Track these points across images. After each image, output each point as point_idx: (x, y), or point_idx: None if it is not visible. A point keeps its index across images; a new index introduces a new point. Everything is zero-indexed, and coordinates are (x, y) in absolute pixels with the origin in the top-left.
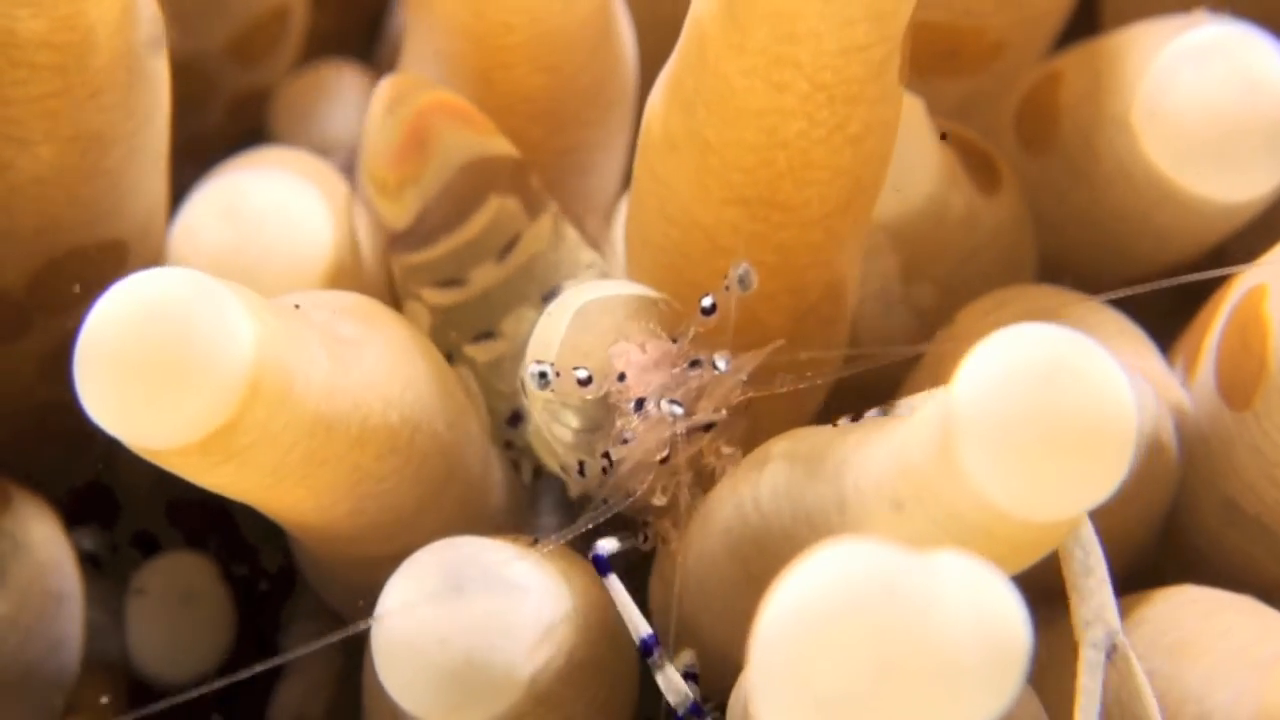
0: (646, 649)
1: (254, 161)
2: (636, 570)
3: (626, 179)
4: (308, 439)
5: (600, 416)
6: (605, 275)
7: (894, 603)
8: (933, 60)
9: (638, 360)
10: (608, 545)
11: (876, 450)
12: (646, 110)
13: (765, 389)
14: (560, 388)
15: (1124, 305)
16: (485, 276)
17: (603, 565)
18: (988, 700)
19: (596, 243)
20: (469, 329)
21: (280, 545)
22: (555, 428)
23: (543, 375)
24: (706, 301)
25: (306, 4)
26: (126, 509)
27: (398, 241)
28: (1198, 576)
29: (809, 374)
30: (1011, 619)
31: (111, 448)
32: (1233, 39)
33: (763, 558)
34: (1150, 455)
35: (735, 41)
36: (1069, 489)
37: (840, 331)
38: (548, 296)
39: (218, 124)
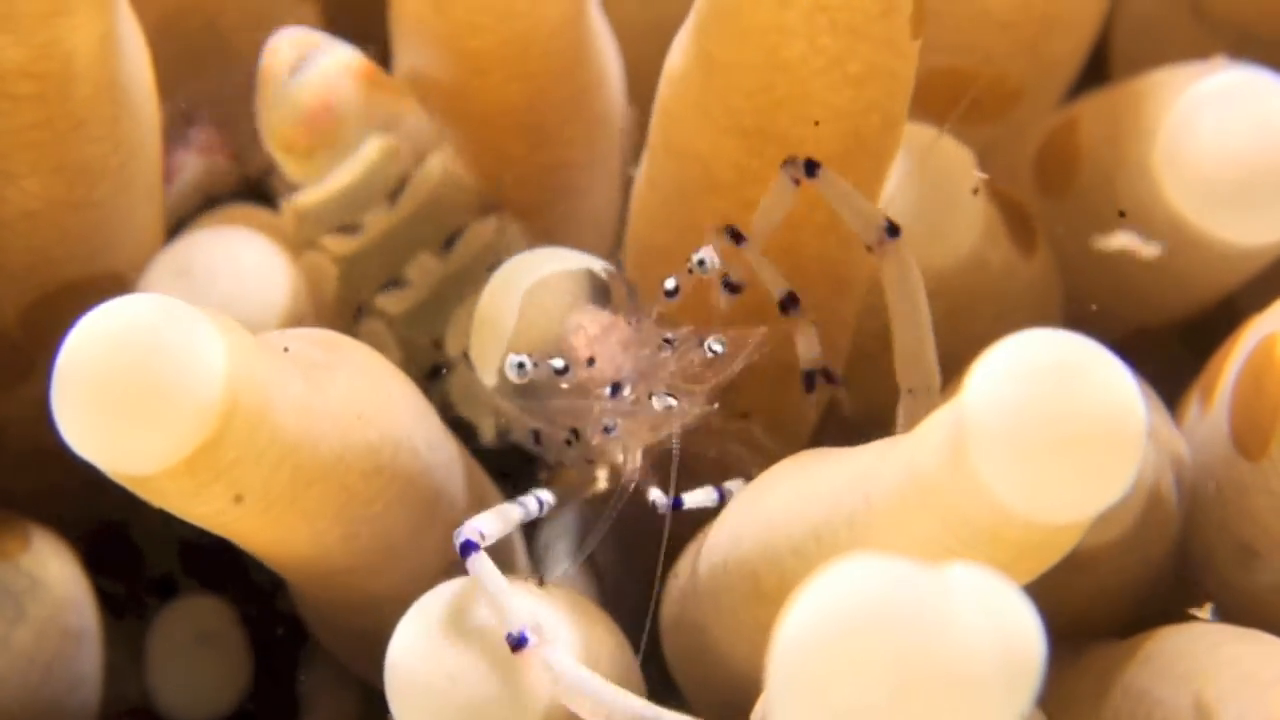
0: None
1: (212, 221)
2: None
3: (620, 207)
4: (293, 455)
5: (571, 392)
6: (502, 220)
7: (909, 615)
8: (953, 107)
9: (600, 340)
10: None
11: (886, 463)
12: (667, 57)
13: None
14: (538, 376)
15: (1131, 354)
16: (379, 221)
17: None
18: (1003, 711)
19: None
20: (374, 277)
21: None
22: (519, 403)
23: (520, 366)
24: (670, 284)
25: None
26: (145, 554)
27: (289, 186)
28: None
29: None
30: (1026, 630)
31: (130, 493)
32: (1253, 84)
33: (772, 572)
34: (1149, 507)
35: None
36: (1079, 489)
37: (843, 336)
38: (448, 242)
39: None
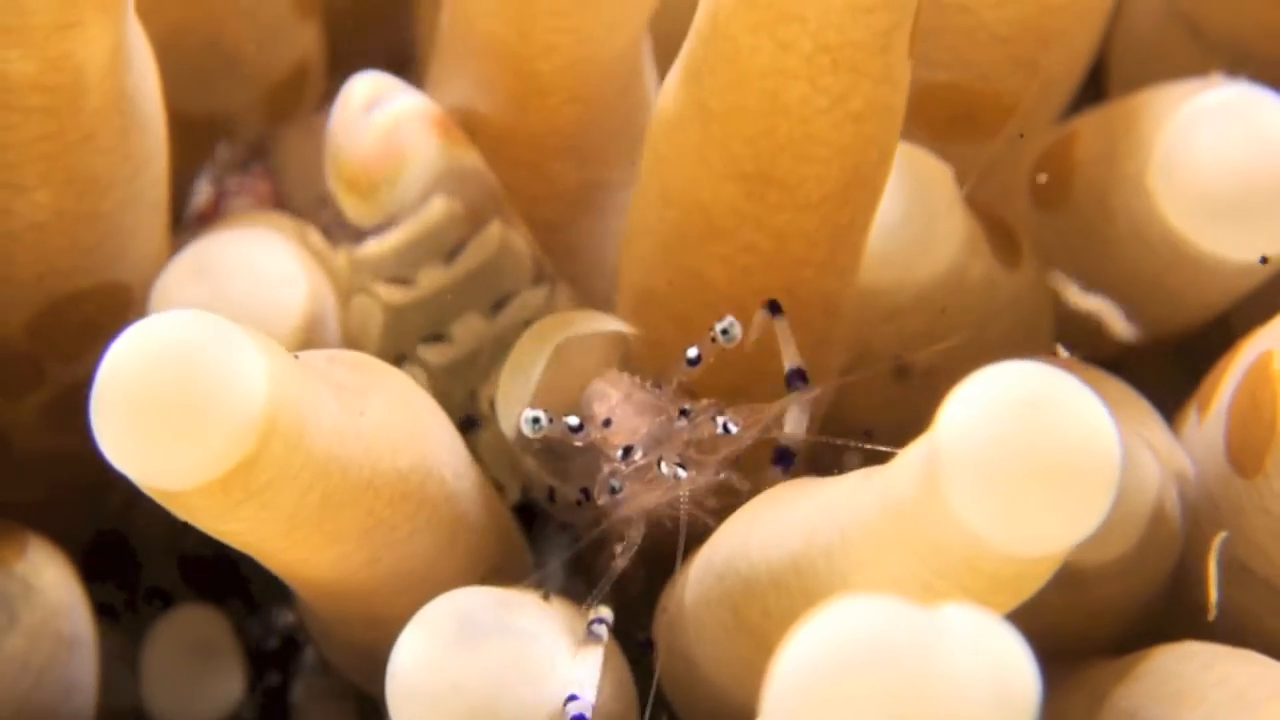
0: None
1: (229, 224)
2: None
3: None
4: (324, 479)
5: (582, 452)
6: (553, 288)
7: (903, 656)
8: (949, 124)
9: (619, 405)
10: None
11: (862, 495)
12: (657, 100)
13: (761, 434)
14: (552, 433)
15: (1126, 369)
16: (433, 278)
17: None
18: None
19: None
20: (420, 329)
21: (288, 602)
22: (533, 459)
23: (535, 421)
24: (691, 353)
25: (323, 65)
26: (143, 564)
27: (350, 232)
28: (1205, 636)
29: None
30: (1021, 671)
31: (128, 502)
32: (1250, 100)
33: (753, 605)
34: (1153, 525)
35: None
36: (1052, 522)
37: (833, 356)
38: (497, 305)
39: None
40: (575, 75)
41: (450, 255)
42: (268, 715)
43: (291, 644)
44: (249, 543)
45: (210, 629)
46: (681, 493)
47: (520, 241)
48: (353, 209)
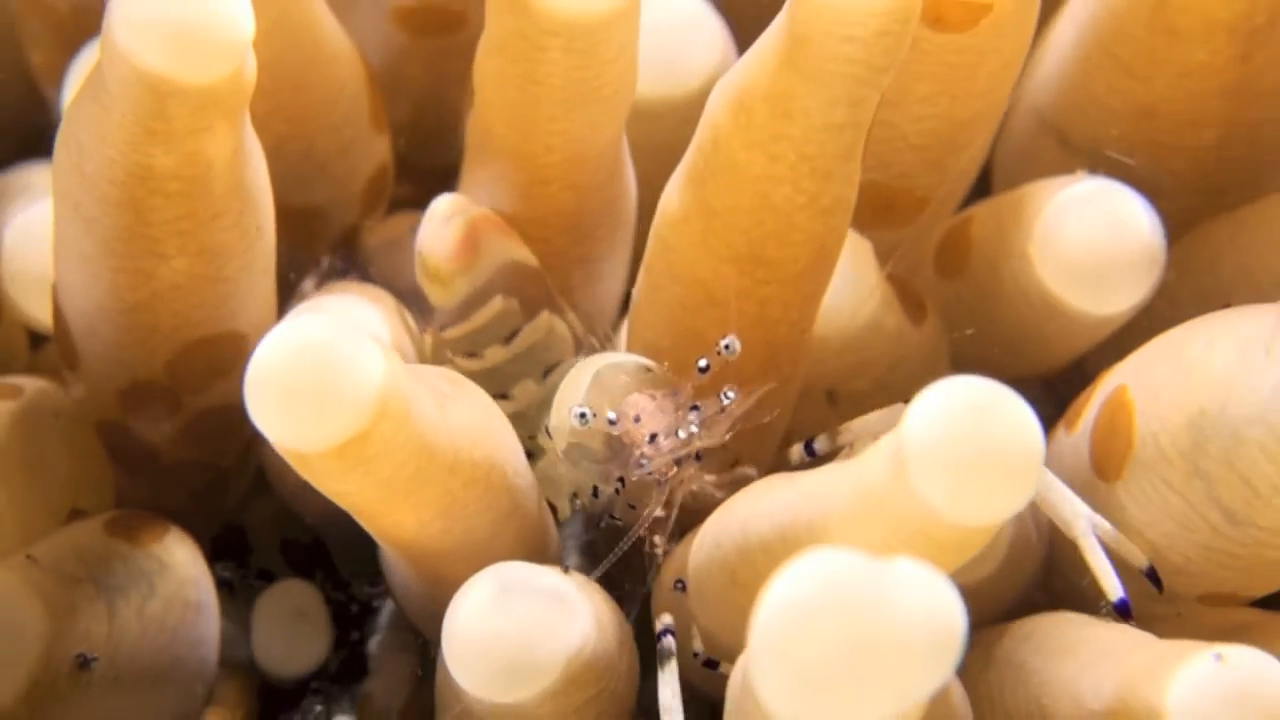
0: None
1: (328, 291)
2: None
3: (628, 289)
4: (416, 459)
5: (619, 449)
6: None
7: (860, 596)
8: (871, 214)
9: (648, 407)
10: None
11: (838, 479)
12: (661, 200)
13: (744, 422)
14: (595, 426)
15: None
16: (495, 355)
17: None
18: (930, 674)
19: (608, 335)
20: (489, 390)
21: (366, 578)
22: (581, 463)
23: (583, 415)
24: (702, 363)
25: (394, 165)
26: (254, 549)
27: (436, 319)
28: (1072, 606)
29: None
30: (951, 611)
31: (244, 503)
32: (1106, 191)
33: (746, 567)
34: (1011, 550)
35: (742, 123)
36: (994, 499)
37: (792, 391)
38: (547, 372)
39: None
40: (570, 167)
41: (508, 338)
42: (349, 665)
43: (369, 609)
44: (354, 504)
45: (305, 598)
46: (693, 446)
47: (563, 326)
48: (436, 296)
